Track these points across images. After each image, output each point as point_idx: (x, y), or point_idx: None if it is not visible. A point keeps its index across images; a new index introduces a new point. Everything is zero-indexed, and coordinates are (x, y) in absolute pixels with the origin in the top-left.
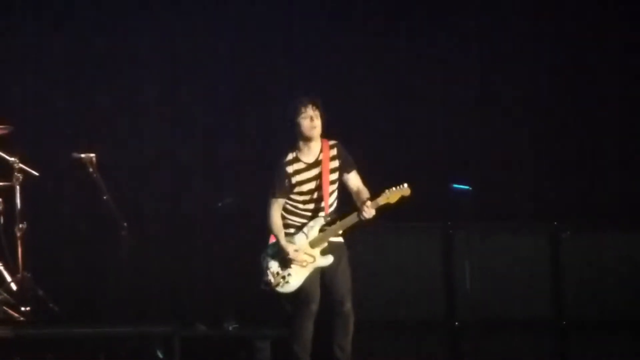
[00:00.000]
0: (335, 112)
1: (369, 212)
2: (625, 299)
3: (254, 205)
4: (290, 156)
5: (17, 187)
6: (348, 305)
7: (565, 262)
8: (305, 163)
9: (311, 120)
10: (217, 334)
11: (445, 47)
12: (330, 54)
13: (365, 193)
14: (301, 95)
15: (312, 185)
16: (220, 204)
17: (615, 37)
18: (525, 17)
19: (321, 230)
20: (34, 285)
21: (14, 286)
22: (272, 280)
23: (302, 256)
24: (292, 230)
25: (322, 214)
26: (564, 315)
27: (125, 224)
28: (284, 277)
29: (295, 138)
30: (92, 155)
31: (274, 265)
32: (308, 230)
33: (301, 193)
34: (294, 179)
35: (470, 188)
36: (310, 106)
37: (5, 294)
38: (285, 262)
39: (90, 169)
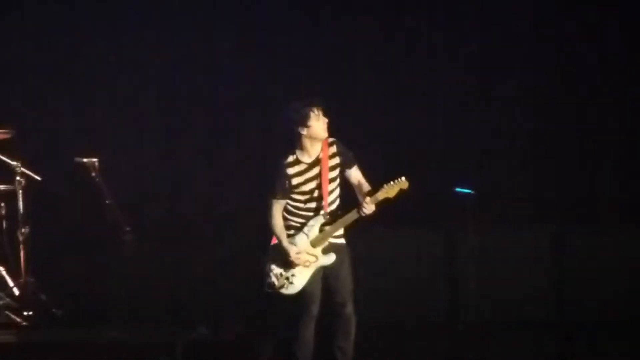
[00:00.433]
0: (335, 113)
1: (368, 207)
2: (626, 300)
3: (255, 207)
4: (291, 158)
5: (20, 192)
6: (349, 308)
7: (566, 263)
8: (305, 164)
9: (323, 122)
10: (219, 337)
11: (446, 48)
12: (331, 54)
13: (366, 187)
14: (301, 98)
15: (312, 184)
16: (221, 209)
17: (614, 38)
18: (524, 18)
19: (321, 228)
20: (37, 290)
21: (16, 290)
22: (276, 282)
23: (305, 256)
24: (292, 232)
25: (322, 212)
26: (565, 316)
27: (128, 229)
28: (287, 279)
29: (298, 140)
30: (95, 159)
31: (276, 267)
32: (308, 230)
33: (302, 193)
34: (295, 181)
35: (473, 192)
36: (320, 108)
37: (7, 299)
38: (288, 263)
39: (93, 174)
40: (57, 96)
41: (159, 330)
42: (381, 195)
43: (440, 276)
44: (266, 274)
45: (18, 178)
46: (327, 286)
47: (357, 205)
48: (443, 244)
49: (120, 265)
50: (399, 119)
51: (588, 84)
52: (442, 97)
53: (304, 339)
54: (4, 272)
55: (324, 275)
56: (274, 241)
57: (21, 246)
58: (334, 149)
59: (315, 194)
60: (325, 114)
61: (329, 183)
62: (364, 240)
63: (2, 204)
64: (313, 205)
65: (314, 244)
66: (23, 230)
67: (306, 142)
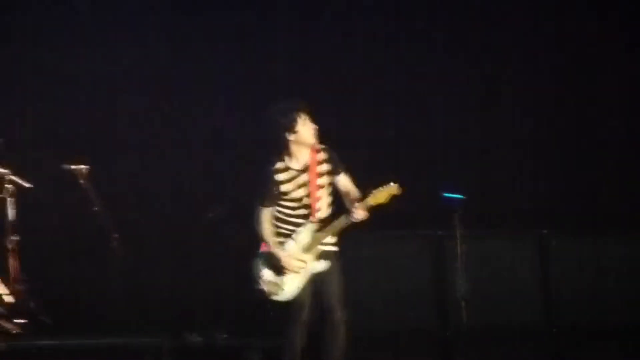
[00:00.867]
0: (324, 117)
1: (358, 213)
2: (615, 306)
3: (247, 213)
4: (279, 165)
5: (9, 199)
6: (338, 315)
7: (554, 269)
8: (295, 170)
9: (310, 127)
10: (209, 345)
11: (440, 54)
12: (324, 59)
13: (355, 194)
14: (284, 100)
15: (301, 191)
16: (211, 215)
17: (614, 39)
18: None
19: (311, 235)
20: (27, 297)
21: (6, 298)
22: (267, 289)
23: (295, 263)
24: (282, 239)
25: (310, 219)
26: (554, 322)
27: (116, 235)
28: (278, 285)
29: (285, 146)
30: (83, 166)
31: (267, 274)
32: (297, 236)
33: (292, 200)
34: (284, 188)
35: (462, 197)
36: (306, 112)
37: None
38: (279, 269)
39: (82, 181)
40: (46, 103)
41: (149, 337)
42: (371, 200)
43: (428, 282)
44: (256, 280)
45: (7, 185)
46: (316, 292)
47: (347, 211)
48: (431, 249)
49: (109, 272)
50: (387, 124)
51: (582, 89)
52: (431, 103)
53: (292, 345)
54: None
55: (314, 281)
56: (263, 247)
57: (11, 254)
58: (322, 155)
59: (305, 200)
60: (313, 120)
61: (318, 189)
62: (352, 246)
63: None
64: (302, 212)
65: (304, 250)
66: (12, 237)
67: (294, 148)
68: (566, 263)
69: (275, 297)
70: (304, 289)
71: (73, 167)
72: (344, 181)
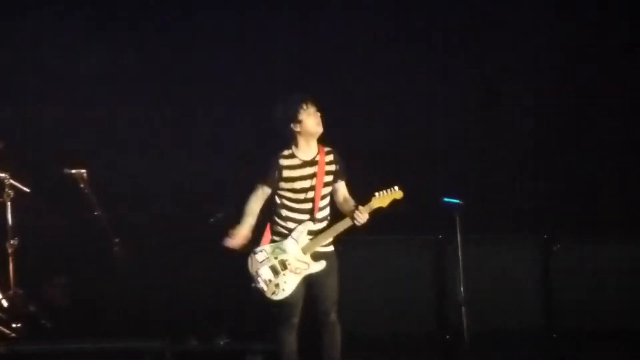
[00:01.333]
0: (324, 120)
1: (362, 216)
2: (616, 310)
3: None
4: (286, 152)
5: (8, 203)
6: (333, 316)
7: (556, 274)
8: (301, 160)
9: (316, 117)
10: (209, 349)
11: (439, 57)
12: (324, 60)
13: (352, 202)
14: (289, 93)
15: (305, 183)
16: (212, 219)
17: (614, 39)
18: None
19: (311, 235)
20: (26, 302)
21: (5, 302)
22: (266, 288)
23: (296, 263)
24: (280, 238)
25: (310, 216)
26: (555, 326)
27: (117, 240)
28: (277, 285)
29: (292, 137)
30: (83, 170)
31: (265, 272)
32: (297, 236)
33: (294, 190)
34: (287, 173)
35: (461, 202)
36: (312, 103)
37: None
38: (277, 268)
39: (82, 185)
40: (45, 107)
41: (148, 341)
42: (375, 203)
43: (429, 286)
44: (254, 279)
45: (6, 190)
46: (311, 294)
47: (350, 214)
48: (432, 253)
49: (109, 276)
50: (387, 128)
51: (582, 89)
52: (431, 107)
53: (288, 349)
54: None
55: (309, 283)
56: (263, 244)
57: (10, 258)
58: (331, 156)
59: (307, 194)
60: (318, 108)
61: (323, 187)
62: (352, 250)
63: None
64: (305, 206)
65: (304, 250)
66: (12, 242)
67: (301, 140)
68: (567, 267)
69: (273, 297)
70: (297, 292)
71: (73, 171)
72: (343, 189)
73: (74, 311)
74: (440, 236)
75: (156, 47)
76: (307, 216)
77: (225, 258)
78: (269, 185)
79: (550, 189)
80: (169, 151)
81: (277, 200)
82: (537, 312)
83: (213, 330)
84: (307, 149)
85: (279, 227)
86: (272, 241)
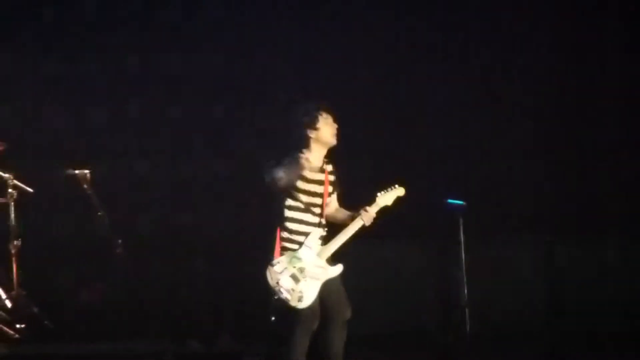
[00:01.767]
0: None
1: (369, 216)
2: (620, 311)
3: (247, 214)
4: (304, 154)
5: (12, 204)
6: (347, 314)
7: (559, 274)
8: (311, 170)
9: (332, 128)
10: (211, 351)
11: (440, 58)
12: (323, 61)
13: (344, 211)
14: (311, 99)
15: (315, 188)
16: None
17: (614, 39)
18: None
19: (322, 239)
20: (29, 302)
21: (8, 303)
22: (290, 297)
23: (314, 269)
24: (294, 246)
25: (318, 221)
26: (558, 327)
27: (119, 241)
28: (300, 292)
29: (306, 143)
30: (87, 171)
31: (286, 282)
32: (310, 243)
33: (305, 193)
34: (305, 172)
35: (464, 203)
36: (329, 112)
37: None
38: (297, 276)
39: (85, 186)
40: (49, 108)
41: (150, 344)
42: (381, 201)
43: (431, 287)
44: (275, 291)
45: (10, 190)
46: (325, 296)
47: (358, 214)
48: (434, 255)
49: (112, 277)
50: (389, 130)
51: (582, 92)
52: (433, 108)
53: (298, 352)
54: None
55: (327, 286)
56: (277, 254)
57: (13, 259)
58: (331, 167)
59: (316, 200)
60: (335, 121)
61: (328, 195)
62: (355, 252)
63: None
64: (315, 210)
65: (320, 255)
66: (15, 242)
67: (313, 146)
68: (568, 267)
69: (298, 305)
70: (319, 295)
71: (77, 171)
72: (335, 201)
73: (77, 312)
74: (443, 237)
75: (158, 47)
76: (317, 219)
77: (225, 258)
78: (286, 183)
79: (551, 190)
80: (171, 153)
81: (288, 202)
82: (540, 313)
83: (213, 331)
84: (317, 156)
85: (290, 233)
86: (284, 248)
